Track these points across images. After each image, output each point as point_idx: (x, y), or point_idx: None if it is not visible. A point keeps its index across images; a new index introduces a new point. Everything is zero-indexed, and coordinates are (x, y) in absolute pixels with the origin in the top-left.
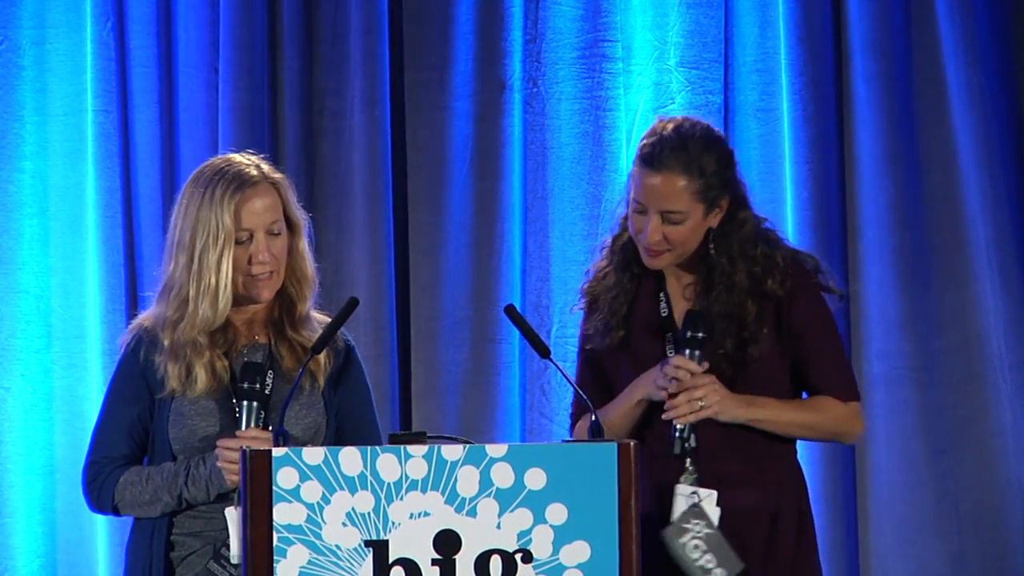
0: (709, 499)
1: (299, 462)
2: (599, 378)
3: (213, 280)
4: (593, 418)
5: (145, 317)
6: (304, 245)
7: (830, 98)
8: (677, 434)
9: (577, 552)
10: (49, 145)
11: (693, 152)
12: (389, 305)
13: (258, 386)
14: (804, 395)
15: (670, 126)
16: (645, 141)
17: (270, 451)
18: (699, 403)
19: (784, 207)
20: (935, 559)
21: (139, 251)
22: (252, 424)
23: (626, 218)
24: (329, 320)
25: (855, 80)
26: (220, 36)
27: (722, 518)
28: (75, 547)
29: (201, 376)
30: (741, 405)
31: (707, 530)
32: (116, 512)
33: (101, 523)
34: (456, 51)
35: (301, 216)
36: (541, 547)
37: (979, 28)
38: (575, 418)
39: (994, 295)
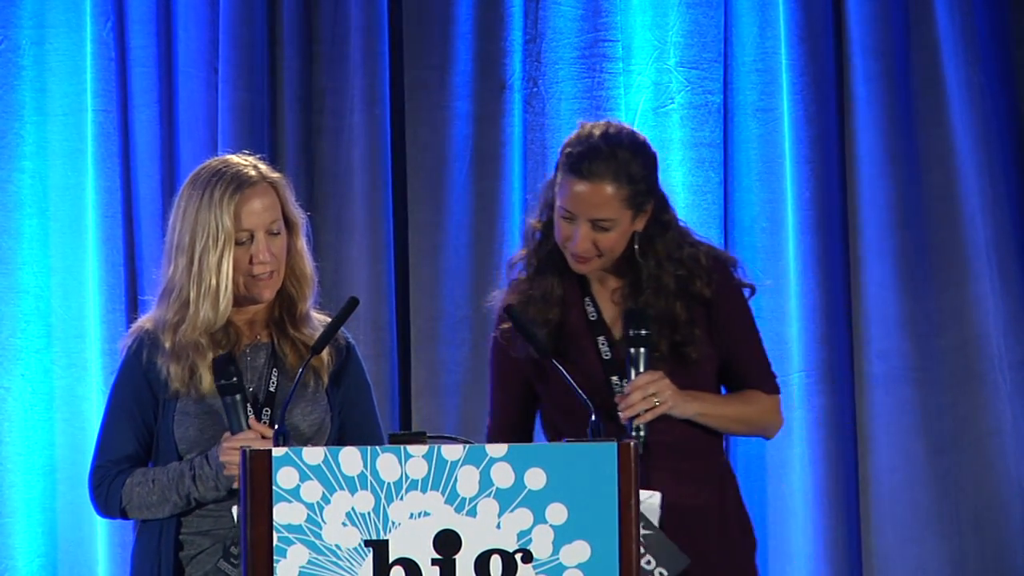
0: (651, 500)
1: (299, 462)
2: (522, 388)
3: (214, 281)
4: (592, 418)
5: (145, 320)
6: (302, 244)
7: (830, 98)
8: (635, 433)
9: (577, 552)
10: (49, 145)
11: (622, 159)
12: (389, 305)
13: (235, 379)
14: (723, 390)
15: (597, 132)
16: (572, 149)
17: (270, 451)
18: (655, 400)
19: (784, 207)
20: (936, 558)
21: (139, 251)
22: (242, 416)
23: (537, 226)
24: (329, 320)
25: (855, 80)
26: (220, 36)
27: (670, 516)
28: (75, 547)
29: (205, 376)
30: (690, 400)
31: (645, 531)
32: (124, 515)
33: (101, 523)
34: (456, 51)
35: (299, 215)
36: (541, 547)
37: (978, 28)
38: (492, 431)
39: (994, 294)
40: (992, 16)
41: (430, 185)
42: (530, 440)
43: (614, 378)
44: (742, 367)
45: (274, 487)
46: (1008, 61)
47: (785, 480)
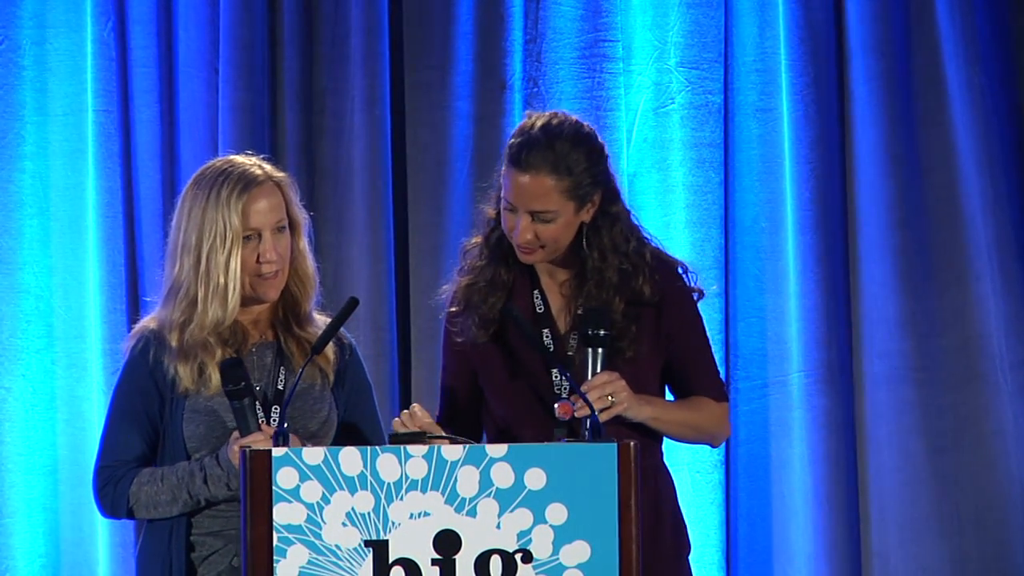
0: None
1: (299, 462)
2: (467, 375)
3: (222, 280)
4: (592, 417)
5: (148, 320)
6: (305, 244)
7: (831, 98)
8: (586, 432)
9: (577, 552)
10: (49, 145)
11: (560, 151)
12: (389, 305)
13: (242, 384)
14: (671, 397)
15: (538, 123)
16: (513, 140)
17: (270, 451)
18: (610, 399)
19: (784, 207)
20: (936, 558)
21: (140, 251)
22: (252, 419)
23: (492, 214)
24: (330, 320)
25: (855, 80)
26: (220, 36)
27: None
28: (76, 547)
29: (214, 375)
30: (644, 404)
31: None
32: (131, 515)
33: (102, 523)
34: (456, 51)
35: (303, 215)
36: (541, 547)
37: (979, 28)
38: (440, 419)
39: (995, 294)
40: (993, 16)
41: (430, 185)
42: (478, 428)
43: (554, 371)
44: (690, 373)
45: (274, 487)
46: (1009, 61)
47: (785, 480)
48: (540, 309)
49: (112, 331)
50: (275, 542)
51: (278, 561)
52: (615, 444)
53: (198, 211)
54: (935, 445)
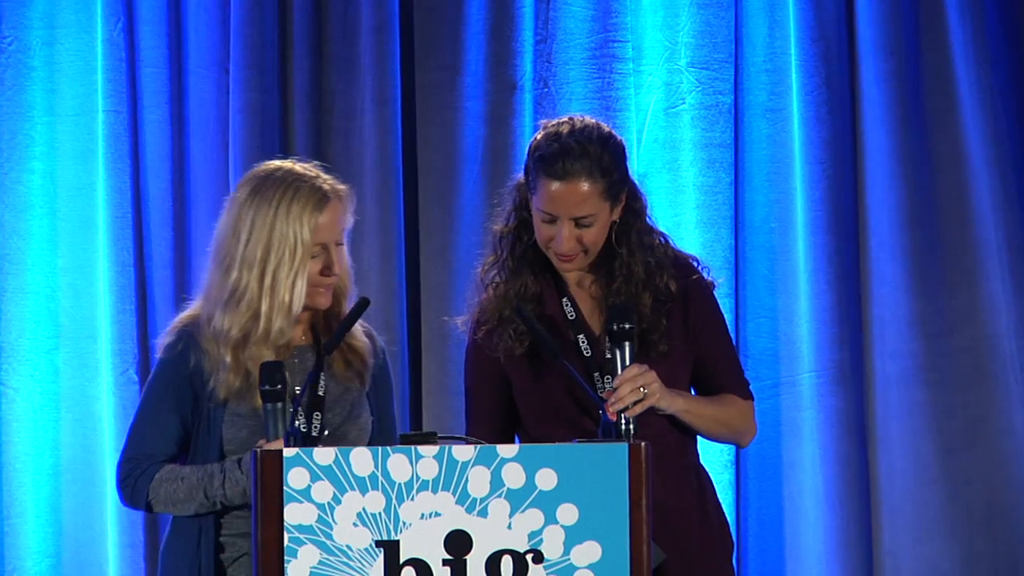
0: None
1: (310, 462)
2: (502, 393)
3: (287, 295)
4: (604, 418)
5: (188, 319)
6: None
7: (841, 99)
8: (626, 428)
9: (588, 552)
10: (59, 145)
11: (594, 154)
12: (400, 305)
13: (279, 387)
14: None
15: (564, 130)
16: (544, 151)
17: (280, 451)
18: (642, 390)
19: (794, 207)
20: (948, 558)
21: (149, 251)
22: (280, 425)
23: (504, 231)
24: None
25: (866, 81)
26: (231, 36)
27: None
28: (84, 547)
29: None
30: (675, 396)
31: None
32: (149, 509)
33: (111, 523)
34: (467, 51)
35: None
36: (552, 547)
37: (989, 28)
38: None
39: (1005, 295)
40: (1003, 17)
41: (441, 185)
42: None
43: (596, 375)
44: (717, 369)
45: (285, 488)
46: (1019, 62)
47: (796, 480)
48: (572, 316)
49: (121, 331)
50: (286, 542)
51: (289, 561)
52: (626, 445)
53: (263, 223)
54: (947, 445)
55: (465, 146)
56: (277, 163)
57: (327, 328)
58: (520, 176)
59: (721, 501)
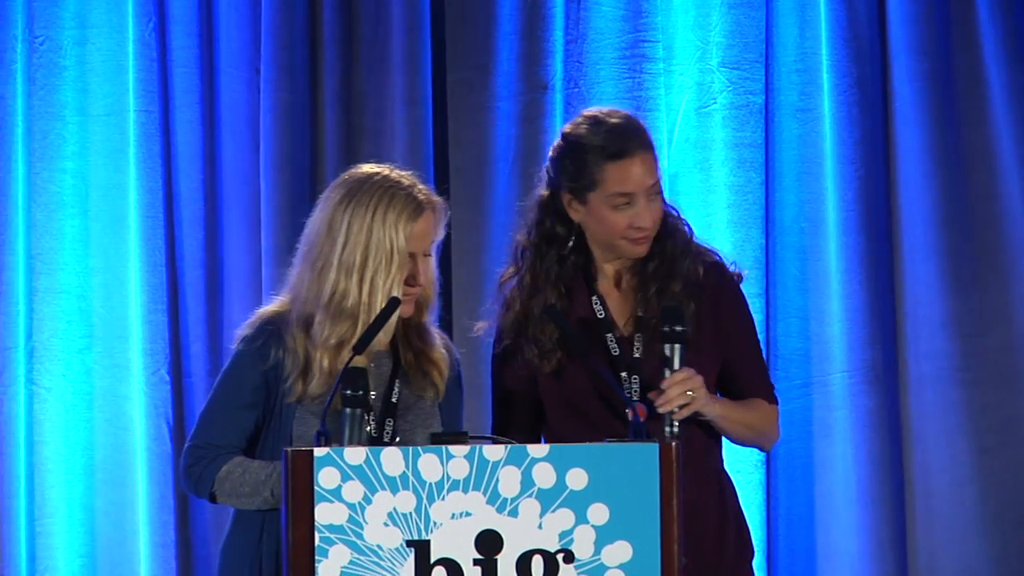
0: None
1: (340, 462)
2: (531, 397)
3: (382, 304)
4: (632, 417)
5: (272, 315)
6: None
7: (873, 99)
8: (670, 430)
9: (619, 552)
10: (91, 145)
11: (639, 126)
12: None
13: (361, 393)
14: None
15: (611, 119)
16: (600, 141)
17: (311, 451)
18: (690, 394)
19: (824, 207)
20: (982, 558)
21: (180, 251)
22: (355, 431)
23: (527, 243)
24: (439, 332)
25: (897, 80)
26: (262, 36)
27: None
28: (116, 547)
29: None
30: (715, 401)
31: None
32: (212, 499)
33: (143, 523)
34: (498, 51)
35: None
36: (583, 547)
37: (1021, 28)
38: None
39: None
40: None
41: (471, 185)
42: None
43: (623, 374)
44: (745, 372)
45: (316, 487)
46: None
47: (827, 480)
48: (601, 315)
49: (153, 331)
50: (317, 542)
51: (320, 561)
52: (657, 444)
53: (361, 228)
54: (981, 445)
55: (495, 146)
56: (374, 167)
57: (406, 337)
58: (541, 191)
59: (743, 507)
